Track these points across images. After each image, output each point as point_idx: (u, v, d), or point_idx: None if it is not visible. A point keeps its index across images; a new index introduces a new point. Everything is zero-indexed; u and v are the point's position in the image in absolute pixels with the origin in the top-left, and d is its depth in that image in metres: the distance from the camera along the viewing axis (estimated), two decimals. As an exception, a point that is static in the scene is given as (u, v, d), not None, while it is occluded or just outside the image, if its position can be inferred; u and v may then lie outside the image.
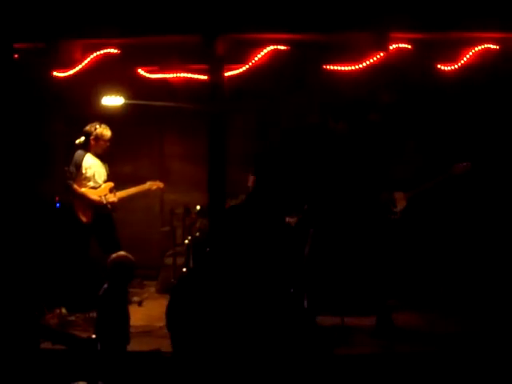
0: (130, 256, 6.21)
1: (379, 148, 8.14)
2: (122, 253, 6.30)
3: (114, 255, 6.17)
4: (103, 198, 8.48)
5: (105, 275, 6.03)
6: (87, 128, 8.44)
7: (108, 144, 8.54)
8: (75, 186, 8.31)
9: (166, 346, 5.82)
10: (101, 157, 8.59)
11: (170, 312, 3.44)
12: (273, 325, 3.28)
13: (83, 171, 8.39)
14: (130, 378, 5.45)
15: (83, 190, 8.39)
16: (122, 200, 8.74)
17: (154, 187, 9.10)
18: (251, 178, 9.41)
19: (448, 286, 7.81)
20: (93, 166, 8.48)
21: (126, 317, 5.88)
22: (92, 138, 8.43)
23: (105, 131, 8.47)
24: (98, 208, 8.44)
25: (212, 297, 3.35)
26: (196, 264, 8.22)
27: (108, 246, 8.10)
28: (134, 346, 6.15)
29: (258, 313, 3.29)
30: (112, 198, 8.57)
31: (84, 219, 8.38)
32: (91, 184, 8.46)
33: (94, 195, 8.43)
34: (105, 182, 8.60)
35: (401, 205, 7.93)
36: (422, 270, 7.99)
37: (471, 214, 8.13)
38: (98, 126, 8.43)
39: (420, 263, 8.02)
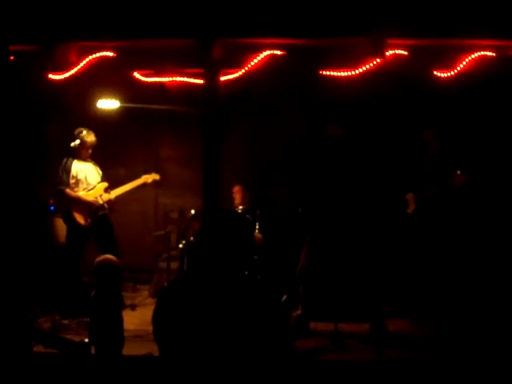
0: (114, 258, 6.19)
1: (378, 150, 8.17)
2: (106, 255, 6.29)
3: (98, 258, 6.16)
4: (99, 198, 8.48)
5: (92, 279, 6.02)
6: (74, 132, 8.44)
7: (92, 147, 8.52)
8: (68, 191, 8.31)
9: (158, 350, 5.90)
10: (91, 160, 8.58)
11: (156, 318, 3.42)
12: (257, 331, 3.25)
13: (73, 175, 8.39)
14: (122, 382, 5.44)
15: (78, 193, 8.39)
16: (117, 200, 8.73)
17: (150, 180, 9.06)
18: (238, 192, 9.45)
19: (445, 294, 7.78)
20: (83, 170, 8.47)
21: (119, 320, 5.86)
22: (78, 142, 8.43)
23: (89, 137, 8.47)
24: (95, 210, 8.44)
25: (198, 304, 3.33)
26: (184, 271, 8.22)
27: (107, 247, 8.11)
28: (126, 350, 6.13)
29: (243, 320, 3.27)
30: (108, 197, 8.57)
31: (82, 222, 8.38)
32: (84, 187, 8.45)
33: (89, 197, 8.43)
34: (98, 183, 8.60)
35: (411, 206, 7.99)
36: (419, 275, 7.96)
37: (472, 222, 8.11)
38: (83, 132, 8.43)
39: (418, 268, 7.98)
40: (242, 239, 3.46)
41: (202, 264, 3.42)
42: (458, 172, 7.59)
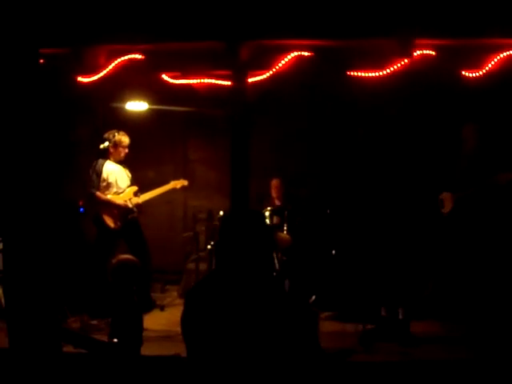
0: (132, 257, 6.22)
1: (409, 151, 8.09)
2: (124, 255, 6.32)
3: (115, 259, 6.19)
4: (128, 201, 8.53)
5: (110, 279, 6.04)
6: (105, 135, 8.49)
7: (127, 150, 8.58)
8: (98, 194, 8.37)
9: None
10: (121, 162, 8.63)
11: (184, 318, 3.43)
12: (284, 332, 3.26)
13: (104, 177, 8.44)
14: (149, 382, 5.46)
15: (108, 196, 8.44)
16: (146, 202, 8.78)
17: (179, 185, 9.12)
18: (276, 186, 9.47)
19: (479, 297, 7.65)
20: (114, 173, 8.52)
21: (136, 320, 5.87)
22: (111, 145, 8.48)
23: (123, 138, 8.52)
24: (124, 213, 8.49)
25: (225, 305, 3.35)
26: (210, 272, 8.25)
27: (137, 249, 8.17)
28: (154, 350, 6.18)
29: (270, 322, 3.28)
30: (137, 200, 8.62)
31: (112, 225, 8.44)
32: (114, 190, 8.51)
33: (118, 200, 8.48)
34: (128, 186, 8.66)
35: (448, 206, 7.79)
36: (451, 277, 7.85)
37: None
38: (116, 134, 8.48)
39: (452, 270, 7.85)
40: (258, 238, 3.46)
41: (225, 265, 3.44)
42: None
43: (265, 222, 3.76)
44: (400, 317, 7.10)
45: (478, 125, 7.87)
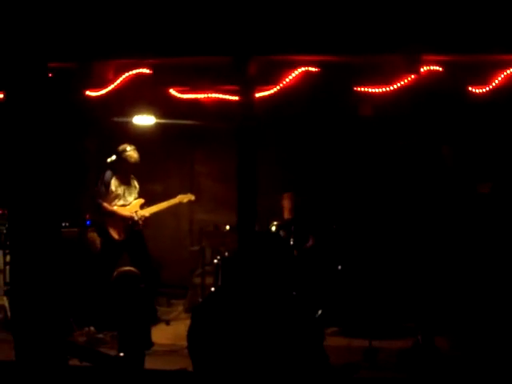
0: (133, 270, 6.22)
1: (414, 165, 8.08)
2: (125, 268, 6.33)
3: (117, 270, 6.20)
4: (134, 214, 8.55)
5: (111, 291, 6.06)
6: (118, 148, 8.51)
7: (135, 166, 8.60)
8: (105, 205, 8.39)
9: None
10: (129, 175, 8.65)
11: (191, 334, 3.44)
12: (293, 349, 3.27)
13: (113, 190, 8.47)
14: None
15: (114, 207, 8.47)
16: (153, 216, 8.79)
17: (185, 200, 9.12)
18: (287, 201, 9.44)
19: (484, 313, 7.62)
20: (121, 185, 8.55)
21: (140, 332, 5.87)
22: (121, 159, 8.50)
23: (132, 153, 8.53)
24: (130, 225, 8.51)
25: (233, 320, 3.35)
26: (217, 288, 8.23)
27: (141, 262, 8.18)
28: (160, 364, 6.19)
29: (278, 336, 3.29)
30: (143, 213, 8.64)
31: (116, 236, 8.46)
32: (121, 202, 8.53)
33: (125, 212, 8.50)
34: (135, 199, 8.68)
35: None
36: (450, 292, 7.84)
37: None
38: (127, 148, 8.50)
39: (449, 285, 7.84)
40: (275, 260, 3.48)
41: (235, 282, 3.45)
42: None
43: (283, 244, 3.79)
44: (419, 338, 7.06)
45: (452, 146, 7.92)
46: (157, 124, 9.46)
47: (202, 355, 3.39)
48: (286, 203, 9.45)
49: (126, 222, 8.50)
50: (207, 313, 3.44)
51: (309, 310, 3.47)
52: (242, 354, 3.25)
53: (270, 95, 8.35)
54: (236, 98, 8.30)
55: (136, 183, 8.75)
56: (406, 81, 7.87)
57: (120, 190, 8.53)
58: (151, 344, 6.79)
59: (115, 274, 6.17)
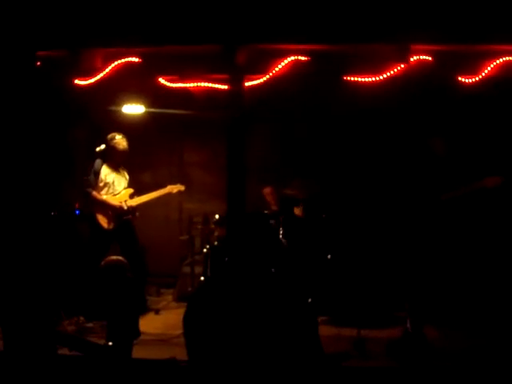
0: (121, 259, 6.21)
1: (401, 156, 8.08)
2: (112, 257, 6.33)
3: (104, 260, 6.20)
4: (124, 203, 8.53)
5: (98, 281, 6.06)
6: (107, 137, 8.50)
7: (124, 154, 8.58)
8: (94, 193, 8.37)
9: (181, 354, 5.85)
10: (119, 165, 8.64)
11: (187, 320, 3.43)
12: (288, 335, 3.27)
13: (102, 178, 8.46)
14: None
15: (104, 196, 8.45)
16: (142, 205, 8.78)
17: (175, 190, 9.10)
18: (269, 194, 9.48)
19: (473, 302, 7.63)
20: (111, 174, 8.54)
21: (127, 321, 5.86)
22: (107, 148, 8.49)
23: (121, 141, 8.52)
24: (119, 214, 8.50)
25: (229, 306, 3.35)
26: (214, 273, 8.24)
27: (130, 251, 8.18)
28: (149, 353, 6.17)
29: (274, 323, 3.29)
30: (132, 202, 8.63)
31: (105, 226, 8.44)
32: (111, 191, 8.51)
33: (114, 201, 8.48)
34: (125, 188, 8.66)
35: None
36: (442, 281, 7.85)
37: (499, 228, 7.98)
38: (115, 137, 8.49)
39: (441, 274, 7.86)
40: (266, 240, 3.49)
41: (230, 266, 3.45)
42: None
43: (269, 224, 3.80)
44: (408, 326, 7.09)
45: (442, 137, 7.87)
46: (146, 113, 9.43)
47: (198, 340, 3.38)
48: (269, 197, 9.50)
49: (115, 212, 8.48)
50: (203, 298, 3.43)
51: (300, 295, 3.47)
52: (237, 340, 3.25)
53: (259, 84, 8.33)
54: (225, 86, 8.29)
55: (126, 174, 8.74)
56: (395, 70, 7.87)
57: (109, 179, 8.51)
58: (138, 334, 6.78)
59: (102, 263, 6.16)
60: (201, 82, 8.73)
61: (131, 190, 8.69)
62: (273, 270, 3.62)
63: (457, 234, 7.68)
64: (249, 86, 8.25)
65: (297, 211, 8.92)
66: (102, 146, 8.45)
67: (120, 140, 8.50)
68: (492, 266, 7.75)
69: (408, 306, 7.09)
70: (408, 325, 7.00)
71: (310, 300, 7.90)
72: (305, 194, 9.11)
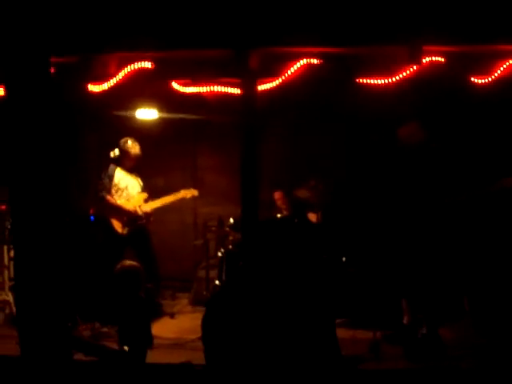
0: (135, 264, 6.24)
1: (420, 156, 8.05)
2: (127, 261, 6.35)
3: (119, 265, 6.22)
4: (138, 208, 8.56)
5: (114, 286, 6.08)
6: (120, 142, 8.55)
7: (136, 159, 8.62)
8: (109, 198, 8.42)
9: (197, 358, 5.82)
10: (133, 170, 8.67)
11: (206, 324, 3.45)
12: (306, 341, 3.28)
13: (116, 182, 8.50)
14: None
15: (118, 201, 8.48)
16: (156, 209, 8.80)
17: (189, 195, 9.12)
18: (280, 198, 9.50)
19: (486, 302, 7.62)
20: (125, 179, 8.58)
21: (141, 326, 5.87)
22: (122, 152, 8.53)
23: (133, 148, 8.57)
24: (133, 219, 8.52)
25: (247, 311, 3.36)
26: (230, 277, 8.24)
27: (145, 256, 8.21)
28: (165, 358, 6.18)
29: (292, 327, 3.30)
30: (146, 207, 8.65)
31: (119, 230, 8.48)
32: (125, 195, 8.55)
33: (128, 206, 8.51)
34: (139, 193, 8.69)
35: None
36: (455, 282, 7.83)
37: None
38: (128, 142, 8.54)
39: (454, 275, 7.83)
40: (281, 247, 3.50)
41: (246, 271, 3.46)
42: None
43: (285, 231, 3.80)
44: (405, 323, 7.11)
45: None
46: (159, 118, 9.46)
47: (216, 345, 3.40)
48: (279, 202, 9.52)
49: (130, 217, 8.51)
50: (222, 303, 3.45)
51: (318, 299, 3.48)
52: (257, 343, 3.26)
53: (272, 88, 8.33)
54: (238, 90, 8.29)
55: (140, 180, 8.77)
56: (408, 72, 7.85)
57: (123, 184, 8.55)
58: (151, 341, 6.80)
59: (117, 268, 6.19)
60: (213, 86, 8.73)
61: (145, 195, 8.72)
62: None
63: (472, 236, 7.67)
64: (262, 90, 8.25)
65: (312, 217, 8.90)
66: (116, 151, 8.50)
67: (132, 144, 8.55)
68: (502, 267, 7.72)
69: (423, 309, 7.09)
70: (424, 327, 7.00)
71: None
72: (318, 197, 9.09)
